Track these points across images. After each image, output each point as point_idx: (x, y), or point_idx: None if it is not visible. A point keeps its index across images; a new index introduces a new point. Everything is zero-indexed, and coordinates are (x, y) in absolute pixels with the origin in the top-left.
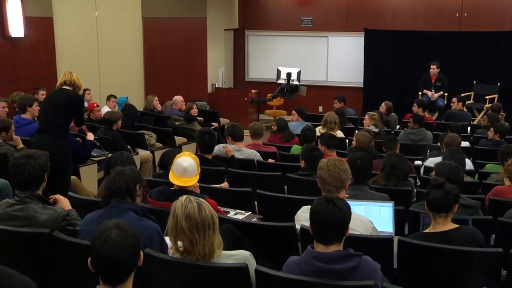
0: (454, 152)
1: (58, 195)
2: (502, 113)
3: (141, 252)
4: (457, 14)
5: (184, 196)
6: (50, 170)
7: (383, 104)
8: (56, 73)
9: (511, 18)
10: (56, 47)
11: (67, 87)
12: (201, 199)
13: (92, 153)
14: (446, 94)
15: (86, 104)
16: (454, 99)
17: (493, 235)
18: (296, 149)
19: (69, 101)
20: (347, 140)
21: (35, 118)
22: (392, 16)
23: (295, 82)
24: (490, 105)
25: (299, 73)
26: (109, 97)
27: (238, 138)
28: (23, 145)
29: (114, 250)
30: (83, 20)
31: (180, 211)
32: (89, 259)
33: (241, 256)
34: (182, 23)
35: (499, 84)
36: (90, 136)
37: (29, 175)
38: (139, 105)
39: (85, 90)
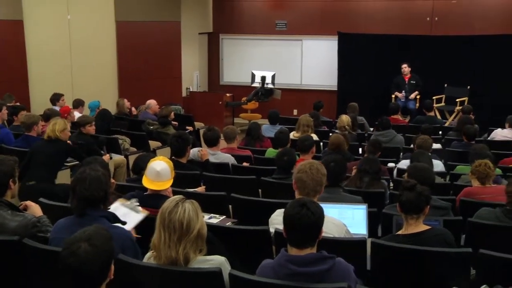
0: (420, 154)
1: (28, 201)
2: (472, 115)
3: (112, 266)
4: (428, 18)
5: (181, 196)
6: None
7: (349, 105)
8: (27, 77)
9: (480, 22)
10: (27, 51)
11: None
12: (195, 203)
13: None
14: (418, 96)
15: (58, 108)
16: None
17: (463, 235)
18: (270, 152)
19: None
20: (321, 143)
21: (5, 123)
22: (365, 20)
23: (270, 86)
24: (461, 107)
25: (273, 77)
26: (77, 105)
27: (213, 142)
28: None
29: (79, 265)
30: (55, 23)
31: (170, 205)
32: None
33: (216, 261)
34: (156, 27)
35: (468, 87)
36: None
37: None
38: (113, 109)
39: (59, 95)
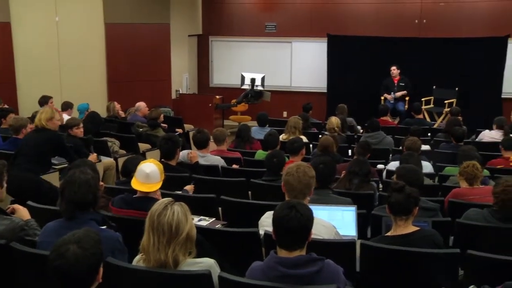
0: (409, 155)
1: (16, 204)
2: (460, 116)
3: (101, 269)
4: (416, 21)
5: (170, 199)
6: None
7: (338, 106)
8: (15, 80)
9: (467, 25)
10: (15, 53)
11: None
12: (184, 205)
13: (53, 161)
14: (407, 98)
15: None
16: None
17: (452, 236)
18: (260, 154)
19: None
20: (311, 145)
21: None
22: (355, 22)
23: (259, 88)
24: (449, 109)
25: (263, 79)
26: (66, 107)
27: (202, 144)
28: None
29: (68, 268)
30: (43, 25)
31: (158, 207)
32: None
33: (206, 264)
34: (145, 29)
35: (457, 89)
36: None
37: None
38: (102, 112)
39: (48, 98)
